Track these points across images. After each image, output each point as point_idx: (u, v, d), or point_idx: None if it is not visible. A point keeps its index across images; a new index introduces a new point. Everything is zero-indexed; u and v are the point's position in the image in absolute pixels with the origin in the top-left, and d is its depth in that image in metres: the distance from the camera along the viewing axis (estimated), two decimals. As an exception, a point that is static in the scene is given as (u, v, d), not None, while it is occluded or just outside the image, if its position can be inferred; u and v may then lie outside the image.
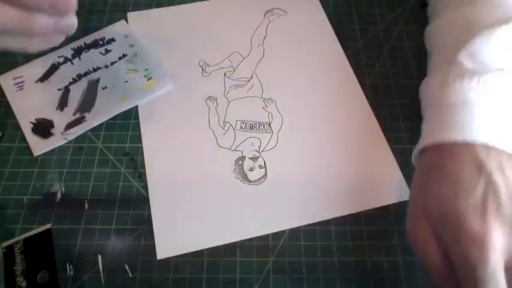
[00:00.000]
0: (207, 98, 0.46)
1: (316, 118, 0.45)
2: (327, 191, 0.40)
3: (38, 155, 0.42)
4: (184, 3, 0.55)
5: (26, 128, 0.43)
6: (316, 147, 0.43)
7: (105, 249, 0.37)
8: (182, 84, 0.47)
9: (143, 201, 0.40)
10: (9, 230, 0.38)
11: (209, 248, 0.37)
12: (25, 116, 0.44)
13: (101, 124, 0.44)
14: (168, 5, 0.55)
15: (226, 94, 0.47)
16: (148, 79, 0.47)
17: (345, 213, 0.39)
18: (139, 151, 0.43)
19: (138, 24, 0.53)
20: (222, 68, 0.49)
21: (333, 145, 0.43)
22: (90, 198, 0.40)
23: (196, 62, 0.49)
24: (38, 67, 0.48)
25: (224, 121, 0.45)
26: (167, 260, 0.37)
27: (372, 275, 0.36)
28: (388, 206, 0.40)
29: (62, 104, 0.45)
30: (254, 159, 0.42)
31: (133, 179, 0.41)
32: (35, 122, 0.44)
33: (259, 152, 0.43)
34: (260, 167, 0.42)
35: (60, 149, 0.43)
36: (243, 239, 0.38)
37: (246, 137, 0.44)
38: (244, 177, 0.41)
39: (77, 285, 0.36)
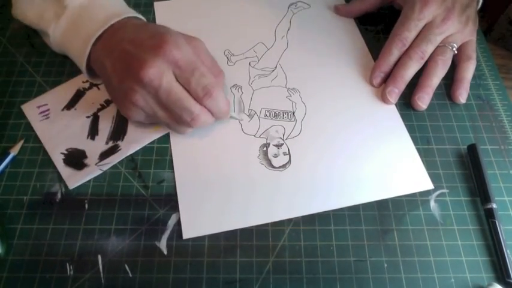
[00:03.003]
0: (232, 86, 0.47)
1: (339, 108, 0.46)
2: (350, 178, 0.41)
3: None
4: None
5: (58, 160, 0.42)
6: (339, 135, 0.44)
7: (105, 249, 0.37)
8: None
9: (143, 201, 0.40)
10: (9, 230, 0.38)
11: (209, 248, 0.37)
12: (54, 146, 0.42)
13: (101, 124, 0.44)
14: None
15: (251, 83, 0.48)
16: None
17: (369, 200, 0.40)
18: (139, 151, 0.43)
19: (163, 14, 0.54)
20: (247, 57, 0.50)
21: (355, 134, 0.44)
22: (90, 198, 0.40)
23: (221, 51, 0.50)
24: (62, 94, 0.46)
25: (249, 109, 0.45)
26: (167, 260, 0.37)
27: (372, 275, 0.36)
28: (388, 206, 0.40)
29: (93, 132, 0.43)
30: (278, 146, 0.43)
31: (133, 179, 0.41)
32: (66, 152, 0.42)
33: (283, 140, 0.43)
34: (284, 153, 0.42)
35: (60, 149, 0.43)
36: (266, 222, 0.38)
37: (270, 125, 0.44)
38: (269, 163, 0.42)
39: (77, 285, 0.36)
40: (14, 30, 0.52)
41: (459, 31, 0.47)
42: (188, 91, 0.39)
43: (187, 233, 0.38)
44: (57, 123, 0.44)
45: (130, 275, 0.36)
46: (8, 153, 0.41)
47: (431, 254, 0.37)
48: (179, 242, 0.38)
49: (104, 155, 0.42)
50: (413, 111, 0.46)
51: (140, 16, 0.44)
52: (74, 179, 0.41)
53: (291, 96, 0.46)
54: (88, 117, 0.45)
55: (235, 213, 0.39)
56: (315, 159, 0.42)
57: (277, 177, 0.41)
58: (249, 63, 0.49)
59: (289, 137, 0.44)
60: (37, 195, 0.40)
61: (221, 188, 0.40)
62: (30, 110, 0.45)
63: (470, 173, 0.42)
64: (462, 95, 0.46)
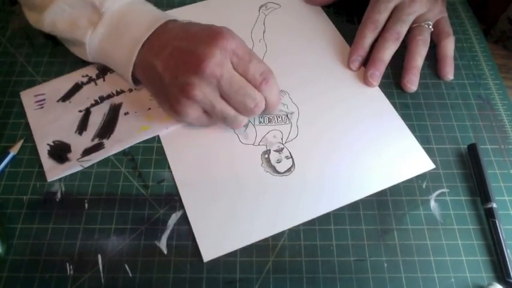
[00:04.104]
0: None
1: (329, 102, 0.46)
2: (355, 170, 0.41)
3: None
4: (184, 5, 0.55)
5: (42, 150, 0.42)
6: (334, 130, 0.44)
7: (105, 249, 0.37)
8: None
9: (143, 201, 0.40)
10: (9, 230, 0.38)
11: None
12: (42, 136, 0.43)
13: (101, 124, 0.44)
14: (167, 8, 0.55)
15: None
16: None
17: (374, 191, 0.40)
18: (139, 151, 0.43)
19: None
20: None
21: (349, 126, 0.44)
22: (90, 198, 0.40)
23: None
24: (61, 85, 0.46)
25: None
26: (167, 260, 0.37)
27: (372, 274, 0.36)
28: (388, 205, 0.40)
29: (82, 127, 0.43)
30: (279, 151, 0.42)
31: (133, 178, 0.41)
32: (52, 144, 0.42)
33: (283, 144, 0.43)
34: (287, 157, 0.42)
35: (60, 149, 0.43)
36: (284, 229, 0.38)
37: (267, 131, 0.44)
38: (274, 170, 0.41)
39: (77, 285, 0.36)
40: (14, 30, 0.52)
41: (430, 9, 0.48)
42: (246, 78, 0.39)
43: (207, 255, 0.37)
44: (50, 114, 0.44)
45: (130, 275, 0.36)
46: (8, 153, 0.41)
47: (431, 253, 0.37)
48: (179, 242, 0.38)
49: (87, 152, 0.42)
50: (413, 111, 0.46)
51: (179, 20, 0.43)
52: (54, 172, 0.41)
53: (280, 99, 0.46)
54: (80, 111, 0.45)
55: (252, 225, 0.38)
56: (318, 157, 0.42)
57: (286, 182, 0.41)
58: None
59: (287, 140, 0.43)
60: (37, 195, 0.40)
61: (233, 204, 0.39)
62: (27, 97, 0.46)
63: (470, 172, 0.42)
64: (450, 72, 0.48)
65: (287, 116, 0.45)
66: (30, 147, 0.43)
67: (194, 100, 0.38)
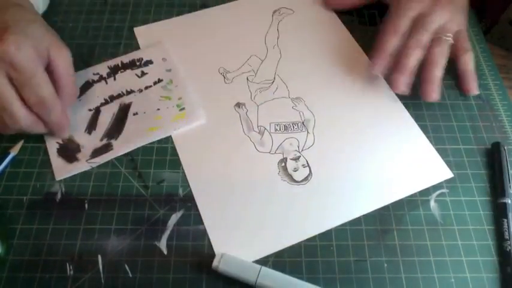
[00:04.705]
0: (235, 105, 0.46)
1: (345, 109, 0.45)
2: (372, 181, 0.41)
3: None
4: (206, 7, 0.55)
5: (52, 148, 0.42)
6: (352, 138, 0.43)
7: (105, 249, 0.37)
8: (207, 95, 0.46)
9: (143, 201, 0.40)
10: (9, 230, 0.38)
11: (210, 248, 0.37)
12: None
13: (101, 124, 0.44)
14: (178, 14, 0.54)
15: (254, 98, 0.46)
16: (181, 109, 0.45)
17: (393, 200, 0.40)
18: (139, 151, 0.43)
19: (145, 38, 0.51)
20: (243, 72, 0.48)
21: (366, 133, 0.44)
22: (90, 198, 0.40)
23: (215, 70, 0.48)
24: None
25: (258, 126, 0.44)
26: (167, 260, 0.37)
27: (372, 275, 0.36)
28: (388, 206, 0.40)
29: (91, 126, 0.43)
30: (296, 159, 0.42)
31: (133, 179, 0.41)
32: (61, 143, 0.42)
33: (299, 152, 0.42)
34: (303, 166, 0.41)
35: (60, 149, 0.43)
36: (300, 240, 0.38)
37: (283, 139, 0.43)
38: (291, 179, 0.41)
39: (77, 285, 0.36)
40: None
41: (451, 19, 0.46)
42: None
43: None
44: None
45: (130, 275, 0.36)
46: (8, 153, 0.41)
47: (431, 254, 0.37)
48: (179, 242, 0.38)
49: (96, 153, 0.42)
50: (413, 112, 0.46)
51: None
52: (62, 171, 0.41)
53: (296, 106, 0.46)
54: (90, 110, 0.45)
55: (269, 236, 0.38)
56: (335, 166, 0.41)
57: (303, 191, 0.40)
58: (247, 78, 0.48)
59: (304, 148, 0.43)
60: (37, 195, 0.40)
61: (250, 213, 0.39)
62: None
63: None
64: (474, 87, 0.46)
65: (303, 123, 0.44)
66: (30, 148, 0.43)
67: None
